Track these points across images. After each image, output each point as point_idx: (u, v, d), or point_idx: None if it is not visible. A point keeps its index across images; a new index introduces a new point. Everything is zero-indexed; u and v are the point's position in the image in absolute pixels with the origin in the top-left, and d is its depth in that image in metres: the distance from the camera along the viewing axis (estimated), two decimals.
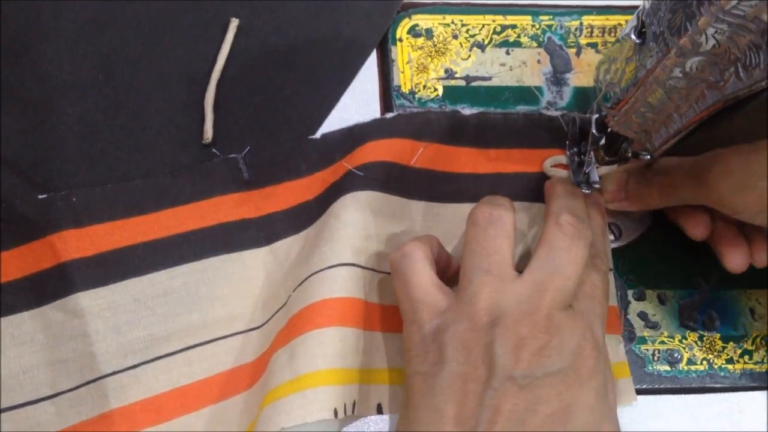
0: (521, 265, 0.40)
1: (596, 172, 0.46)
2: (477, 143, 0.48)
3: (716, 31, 0.31)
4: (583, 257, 0.39)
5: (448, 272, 0.43)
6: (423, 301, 0.39)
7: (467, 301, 0.38)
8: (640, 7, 0.36)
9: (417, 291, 0.39)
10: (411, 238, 0.43)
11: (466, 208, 0.46)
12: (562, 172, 0.47)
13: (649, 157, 0.45)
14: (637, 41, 0.36)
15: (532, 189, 0.48)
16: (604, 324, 0.40)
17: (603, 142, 0.44)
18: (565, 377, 0.36)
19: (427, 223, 0.46)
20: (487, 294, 0.38)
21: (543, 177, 0.48)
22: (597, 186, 0.45)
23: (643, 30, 0.36)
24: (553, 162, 0.48)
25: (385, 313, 0.44)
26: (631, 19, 0.37)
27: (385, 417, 0.43)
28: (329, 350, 0.40)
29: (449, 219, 0.47)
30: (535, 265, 0.39)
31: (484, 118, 0.48)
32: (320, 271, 0.42)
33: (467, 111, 0.48)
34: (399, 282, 0.40)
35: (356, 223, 0.44)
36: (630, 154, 0.45)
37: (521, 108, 0.50)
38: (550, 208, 0.42)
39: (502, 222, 0.39)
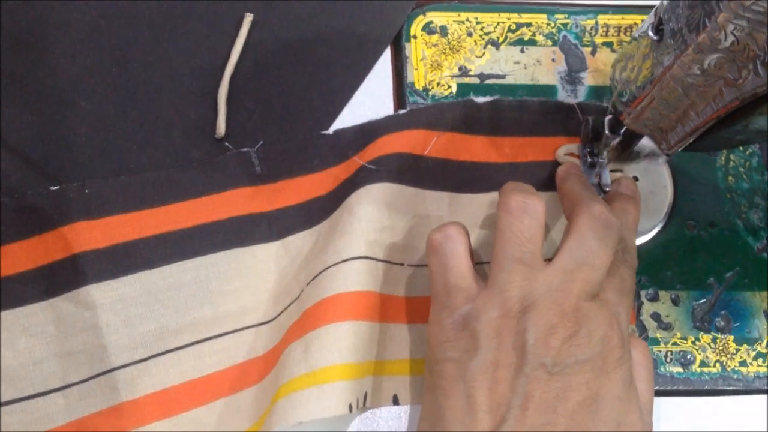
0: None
1: (608, 174, 0.46)
2: (491, 131, 0.48)
3: (735, 28, 0.31)
4: (613, 249, 0.39)
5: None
6: (459, 286, 0.39)
7: (499, 288, 0.38)
8: (659, 4, 0.36)
9: (455, 276, 0.39)
10: (425, 231, 0.43)
11: (480, 198, 0.46)
12: (576, 161, 0.47)
13: (661, 159, 0.45)
14: (655, 38, 0.36)
15: (546, 178, 0.48)
16: (629, 317, 0.40)
17: (616, 141, 0.44)
18: (593, 366, 0.36)
19: (441, 213, 0.46)
20: (518, 282, 0.38)
21: (556, 166, 0.48)
22: (608, 189, 0.45)
23: (661, 27, 0.35)
24: (567, 150, 0.48)
25: (399, 305, 0.43)
26: (648, 17, 0.37)
27: (399, 408, 0.43)
28: (345, 345, 0.40)
29: (464, 209, 0.47)
30: (566, 254, 0.38)
31: (498, 106, 0.48)
32: (334, 265, 0.42)
33: (481, 99, 0.48)
34: (437, 264, 0.40)
35: (370, 216, 0.44)
36: (642, 157, 0.45)
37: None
38: (576, 197, 0.42)
39: (536, 211, 0.39)
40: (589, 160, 0.46)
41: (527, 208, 0.39)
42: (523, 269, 0.38)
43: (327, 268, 0.42)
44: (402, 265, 0.44)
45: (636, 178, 0.49)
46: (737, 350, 0.46)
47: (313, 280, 0.42)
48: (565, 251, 0.39)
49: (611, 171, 0.46)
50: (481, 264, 0.46)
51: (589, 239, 0.39)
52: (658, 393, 0.45)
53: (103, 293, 0.41)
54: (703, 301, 0.47)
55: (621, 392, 0.37)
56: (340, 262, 0.42)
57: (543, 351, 0.36)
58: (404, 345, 0.43)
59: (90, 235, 0.42)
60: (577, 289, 0.37)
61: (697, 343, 0.46)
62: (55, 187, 0.43)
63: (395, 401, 0.43)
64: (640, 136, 0.41)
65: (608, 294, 0.39)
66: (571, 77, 0.51)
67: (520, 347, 0.36)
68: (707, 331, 0.47)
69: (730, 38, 0.31)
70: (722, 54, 0.32)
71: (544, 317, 0.36)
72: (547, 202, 0.47)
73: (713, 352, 0.46)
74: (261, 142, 0.47)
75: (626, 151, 0.44)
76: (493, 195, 0.47)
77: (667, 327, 0.46)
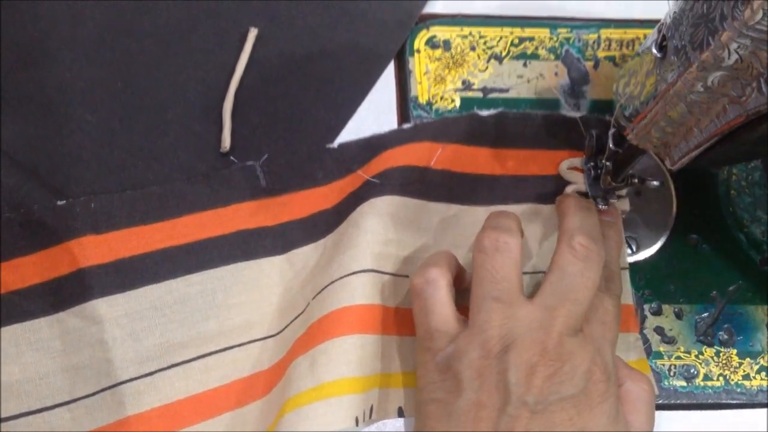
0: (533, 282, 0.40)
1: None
2: (495, 144, 0.48)
3: (739, 46, 0.31)
4: (595, 282, 0.39)
5: (462, 286, 0.43)
6: (440, 330, 0.39)
7: (479, 328, 0.38)
8: (662, 21, 0.36)
9: (436, 320, 0.40)
10: (430, 243, 0.44)
11: (483, 211, 0.46)
12: (579, 176, 0.47)
13: (656, 183, 0.45)
14: (658, 55, 0.36)
15: (548, 192, 0.48)
16: (614, 348, 0.40)
17: (611, 166, 0.44)
18: (577, 402, 0.36)
19: (445, 226, 0.46)
20: (497, 321, 0.38)
21: (559, 179, 0.48)
22: (613, 201, 0.45)
23: (664, 44, 0.36)
24: (570, 165, 0.48)
25: (404, 317, 0.44)
26: (652, 33, 0.37)
27: (402, 421, 0.43)
28: (352, 358, 0.40)
29: (467, 222, 0.47)
30: (547, 290, 0.39)
31: (502, 119, 0.48)
32: (340, 278, 0.42)
33: (485, 112, 0.48)
34: (419, 308, 0.41)
35: (375, 229, 0.44)
36: (636, 180, 0.45)
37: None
38: (562, 226, 0.42)
39: (509, 248, 0.40)
40: (593, 173, 0.46)
41: (499, 245, 0.40)
42: (500, 307, 0.38)
43: (333, 281, 0.42)
44: (407, 277, 0.44)
45: (639, 193, 0.49)
46: (740, 364, 0.46)
47: (318, 293, 0.43)
48: (547, 286, 0.39)
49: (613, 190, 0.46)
50: None
51: (570, 274, 0.39)
52: (662, 407, 0.45)
53: (109, 308, 0.41)
54: (706, 314, 0.47)
55: (607, 425, 0.37)
56: (345, 276, 0.42)
57: (525, 390, 0.36)
58: (409, 357, 0.44)
59: (96, 249, 0.42)
60: (559, 325, 0.37)
61: (700, 356, 0.46)
62: (62, 202, 0.43)
63: (400, 413, 0.43)
64: (643, 152, 0.41)
65: (592, 326, 0.39)
66: (574, 91, 0.51)
67: (502, 387, 0.36)
68: (710, 345, 0.47)
69: (734, 56, 0.31)
70: (726, 72, 0.32)
71: (524, 356, 0.37)
72: (548, 215, 0.47)
73: (716, 365, 0.46)
74: (266, 155, 0.47)
75: (621, 175, 0.44)
76: (498, 208, 0.47)
77: (670, 341, 0.47)
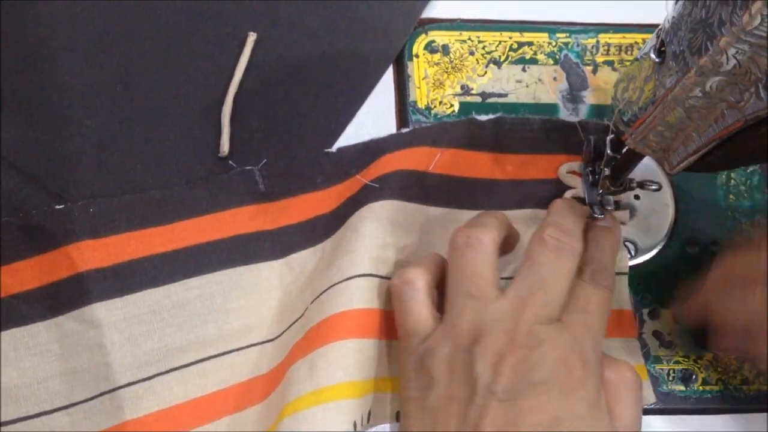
0: None
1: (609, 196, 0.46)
2: (494, 148, 0.48)
3: (737, 52, 0.31)
4: (569, 270, 0.39)
5: None
6: (417, 330, 0.40)
7: (451, 324, 0.38)
8: (660, 26, 0.36)
9: (413, 320, 0.40)
10: (428, 247, 0.44)
11: None
12: (578, 180, 0.47)
13: (655, 187, 0.45)
14: (657, 60, 0.36)
15: (547, 196, 0.48)
16: (598, 337, 0.39)
17: (609, 172, 0.44)
18: (548, 389, 0.36)
19: (443, 230, 0.46)
20: (468, 315, 0.38)
21: (559, 183, 0.48)
22: (610, 208, 0.45)
23: (663, 49, 0.36)
24: (569, 168, 0.48)
25: None
26: (651, 38, 0.37)
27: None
28: (350, 362, 0.40)
29: None
30: (518, 282, 0.39)
31: (500, 123, 0.49)
32: (339, 282, 0.42)
33: (483, 117, 0.48)
34: (398, 310, 0.41)
35: (373, 233, 0.44)
36: (635, 184, 0.45)
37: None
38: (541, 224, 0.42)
39: (480, 244, 0.40)
40: (591, 179, 0.46)
41: (470, 242, 0.40)
42: (472, 303, 0.38)
43: (331, 286, 0.42)
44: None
45: (637, 197, 0.49)
46: (739, 368, 0.46)
47: (317, 298, 0.43)
48: (518, 279, 0.39)
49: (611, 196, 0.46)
50: None
51: (540, 264, 0.39)
52: (660, 411, 0.46)
53: (107, 312, 0.41)
54: None
55: (585, 413, 0.36)
56: (344, 280, 0.42)
57: (491, 379, 0.36)
58: None
59: (95, 253, 0.42)
60: (529, 314, 0.37)
61: (698, 361, 0.46)
62: (60, 206, 0.43)
63: (398, 418, 0.43)
64: (641, 157, 0.41)
65: (570, 316, 0.39)
66: (573, 96, 0.51)
67: (470, 379, 0.36)
68: (709, 350, 0.47)
69: (732, 62, 0.31)
70: (724, 77, 0.32)
71: (492, 346, 0.37)
72: None
73: (715, 370, 0.46)
74: (264, 160, 0.47)
75: (619, 180, 0.44)
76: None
77: (668, 345, 0.47)
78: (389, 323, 0.43)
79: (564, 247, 0.39)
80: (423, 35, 0.51)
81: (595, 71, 0.52)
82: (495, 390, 0.36)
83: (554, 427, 0.35)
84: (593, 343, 0.39)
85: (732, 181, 0.49)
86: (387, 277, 0.44)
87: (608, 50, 0.52)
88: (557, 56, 0.52)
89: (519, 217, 0.46)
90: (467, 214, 0.47)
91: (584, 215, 0.43)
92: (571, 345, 0.37)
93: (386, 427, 0.43)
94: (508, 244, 0.44)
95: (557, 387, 0.36)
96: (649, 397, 0.44)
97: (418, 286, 0.40)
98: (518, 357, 0.36)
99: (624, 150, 0.42)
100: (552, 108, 0.50)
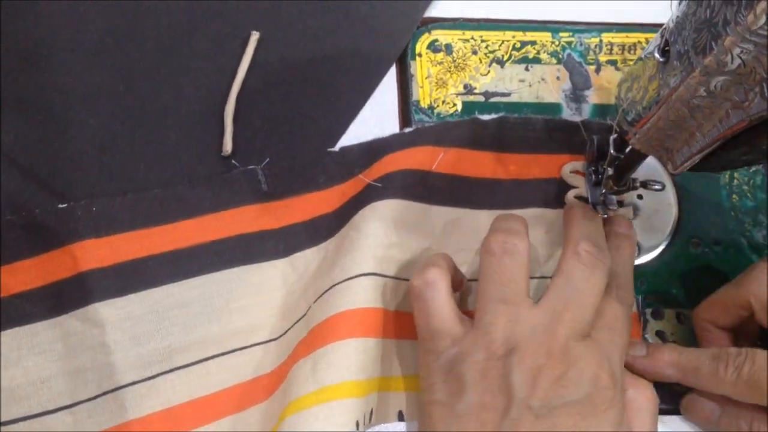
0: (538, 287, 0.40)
1: (613, 196, 0.46)
2: (497, 148, 0.48)
3: (742, 51, 0.31)
4: (601, 287, 0.39)
5: (457, 288, 0.43)
6: (442, 331, 0.39)
7: (484, 330, 0.38)
8: (664, 26, 0.36)
9: (437, 321, 0.40)
10: (432, 246, 0.45)
11: (485, 215, 0.46)
12: (581, 179, 0.47)
13: (658, 187, 0.45)
14: (661, 60, 0.36)
15: (550, 196, 0.48)
16: (623, 355, 0.40)
17: (613, 171, 0.44)
18: (582, 408, 0.36)
19: (447, 229, 0.46)
20: (503, 324, 0.38)
21: (562, 183, 0.48)
22: (613, 208, 0.45)
23: (667, 48, 0.36)
24: (572, 168, 0.48)
25: (405, 321, 0.44)
26: (655, 38, 0.37)
27: (403, 425, 0.43)
28: (353, 362, 0.40)
29: (469, 226, 0.47)
30: (552, 295, 0.39)
31: (503, 123, 0.48)
32: (342, 282, 0.42)
33: (486, 116, 0.48)
34: (419, 310, 0.40)
35: (377, 233, 0.44)
36: (638, 184, 0.45)
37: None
38: (568, 234, 0.42)
39: (518, 251, 0.40)
40: (594, 179, 0.46)
41: (507, 248, 0.40)
42: (506, 309, 0.38)
43: (334, 285, 0.42)
44: (408, 281, 0.44)
45: (640, 197, 0.49)
46: None
47: (320, 297, 0.43)
48: (552, 291, 0.39)
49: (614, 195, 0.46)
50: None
51: (575, 279, 0.39)
52: (662, 411, 0.45)
53: (110, 311, 0.41)
54: None
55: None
56: (347, 279, 0.42)
57: (529, 393, 0.36)
58: (410, 361, 0.44)
59: (97, 252, 0.42)
60: (564, 329, 0.37)
61: None
62: (63, 205, 0.43)
63: (400, 417, 0.43)
64: (645, 156, 0.41)
65: (600, 333, 0.39)
66: (576, 95, 0.51)
67: (506, 389, 0.36)
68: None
69: (737, 61, 0.31)
70: (729, 76, 0.32)
71: (529, 359, 0.37)
72: (552, 220, 0.47)
73: None
74: (267, 159, 0.47)
75: (622, 180, 0.44)
76: (500, 211, 0.47)
77: None
78: (392, 323, 0.43)
79: (598, 263, 0.40)
80: (426, 34, 0.51)
81: (598, 71, 0.51)
82: (532, 404, 0.36)
83: None
84: (619, 361, 0.39)
85: (735, 181, 0.49)
86: (391, 277, 0.44)
87: (611, 50, 0.52)
88: (560, 55, 0.52)
89: (524, 216, 0.46)
90: (470, 214, 0.47)
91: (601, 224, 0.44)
92: (602, 363, 0.37)
93: (389, 426, 0.43)
94: None
95: (589, 407, 0.36)
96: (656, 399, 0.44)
97: (440, 286, 0.40)
98: (556, 373, 0.36)
99: (627, 150, 0.42)
100: (555, 107, 0.50)
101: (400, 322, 0.44)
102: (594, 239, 0.41)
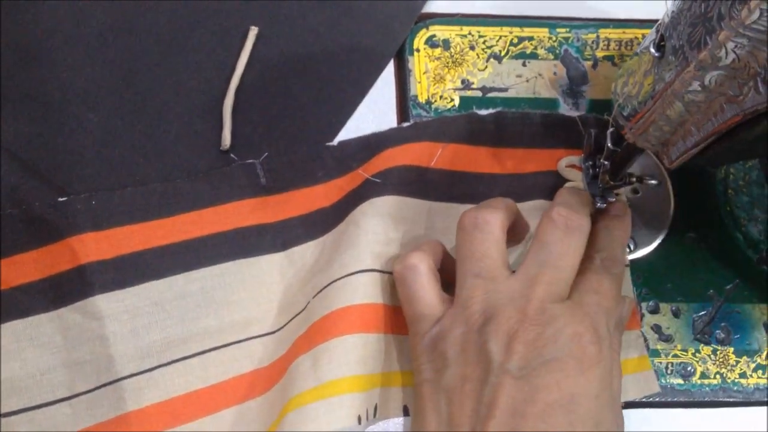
0: None
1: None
2: (494, 143, 0.48)
3: (736, 46, 0.31)
4: (577, 249, 0.40)
5: (451, 274, 0.44)
6: (425, 313, 0.40)
7: (462, 305, 0.39)
8: (660, 21, 0.37)
9: (421, 304, 0.40)
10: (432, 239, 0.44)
11: None
12: (577, 174, 0.48)
13: (654, 182, 0.46)
14: (656, 54, 0.36)
15: (547, 188, 0.48)
16: (611, 317, 0.40)
17: (609, 166, 0.44)
18: (563, 365, 0.36)
19: (446, 224, 0.47)
20: (479, 296, 0.38)
21: (558, 176, 0.48)
22: (612, 200, 0.46)
23: (662, 43, 0.36)
24: (569, 162, 0.48)
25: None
26: (650, 33, 0.38)
27: (408, 419, 0.43)
28: (353, 357, 0.40)
29: None
30: (528, 261, 0.39)
31: (501, 117, 0.49)
32: (341, 278, 0.42)
33: (484, 111, 0.49)
34: (403, 295, 0.41)
35: (375, 229, 0.44)
36: (634, 179, 0.45)
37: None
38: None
39: (488, 225, 0.40)
40: (592, 172, 0.46)
41: (478, 223, 0.40)
42: (482, 283, 0.39)
43: (333, 281, 0.42)
44: None
45: (636, 191, 0.49)
46: (737, 362, 0.47)
47: (319, 293, 0.43)
48: (528, 258, 0.39)
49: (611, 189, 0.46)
50: None
51: (549, 243, 0.39)
52: (659, 405, 0.46)
53: (109, 303, 0.42)
54: (703, 313, 0.48)
55: (599, 391, 0.36)
56: (346, 276, 0.42)
57: (505, 357, 0.36)
58: (409, 356, 0.44)
59: (97, 245, 0.42)
60: (540, 291, 0.38)
61: (697, 354, 0.47)
62: (63, 199, 0.43)
63: (405, 412, 0.43)
64: (641, 151, 0.41)
65: (582, 295, 0.39)
66: (573, 90, 0.51)
67: (484, 358, 0.37)
68: (707, 343, 0.47)
69: (731, 56, 0.31)
70: (723, 71, 0.32)
71: (505, 324, 0.37)
72: None
73: (713, 363, 0.47)
74: (266, 153, 0.47)
75: (618, 175, 0.44)
76: None
77: (667, 339, 0.47)
78: (393, 318, 0.43)
79: (573, 225, 0.40)
80: (424, 30, 0.51)
81: (595, 66, 0.52)
82: (509, 368, 0.36)
83: (570, 404, 0.36)
84: (606, 322, 0.39)
85: (731, 175, 0.50)
86: (390, 273, 0.44)
87: (608, 45, 0.52)
88: (557, 51, 0.52)
89: (523, 209, 0.46)
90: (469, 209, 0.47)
91: (590, 199, 0.44)
92: (583, 321, 0.38)
93: (392, 422, 0.43)
94: (517, 234, 0.45)
95: (572, 364, 0.36)
96: (653, 387, 0.45)
97: (421, 269, 0.41)
98: (531, 334, 0.37)
99: (624, 144, 0.42)
100: (552, 103, 0.51)
101: (400, 318, 0.44)
102: (569, 204, 0.41)
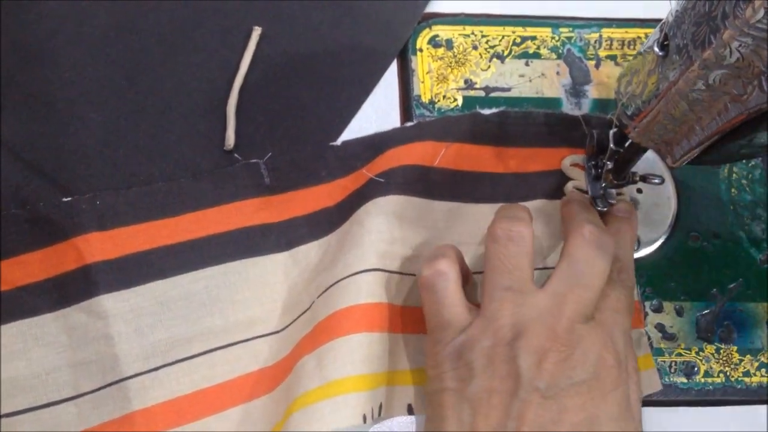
0: (542, 278, 0.40)
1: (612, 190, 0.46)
2: (498, 142, 0.49)
3: (740, 45, 0.31)
4: (605, 269, 0.40)
5: (464, 280, 0.44)
6: (452, 321, 0.40)
7: (491, 317, 0.38)
8: (664, 20, 0.37)
9: (448, 312, 0.40)
10: (435, 241, 0.45)
11: (487, 209, 0.47)
12: (581, 173, 0.48)
13: (657, 181, 0.46)
14: (660, 54, 0.36)
15: (551, 188, 0.48)
16: (627, 337, 0.40)
17: (612, 165, 0.44)
18: (589, 388, 0.37)
19: (449, 224, 0.47)
20: (508, 310, 0.38)
21: (562, 175, 0.48)
22: (612, 202, 0.46)
23: (666, 43, 0.36)
24: (572, 161, 0.48)
25: (410, 315, 0.44)
26: (654, 32, 0.38)
27: (413, 418, 0.43)
28: (358, 357, 0.40)
29: (470, 219, 0.47)
30: (557, 277, 0.39)
31: (504, 117, 0.49)
32: (345, 278, 0.42)
33: (487, 111, 0.49)
34: (429, 301, 0.41)
35: (380, 228, 0.44)
36: (638, 178, 0.45)
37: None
38: (572, 221, 0.42)
39: (522, 238, 0.40)
40: (594, 173, 0.47)
41: (512, 235, 0.40)
42: (512, 296, 0.39)
43: (338, 281, 0.43)
44: (413, 275, 0.45)
45: (640, 191, 0.49)
46: (741, 360, 0.47)
47: (324, 292, 0.43)
48: (557, 275, 0.39)
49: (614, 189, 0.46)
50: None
51: (580, 261, 0.39)
52: (662, 403, 0.46)
53: (114, 303, 0.42)
54: (706, 311, 0.48)
55: (618, 414, 0.37)
56: (351, 275, 0.42)
57: (536, 375, 0.36)
58: (417, 355, 0.44)
59: (102, 245, 0.42)
60: (569, 311, 0.38)
61: (701, 353, 0.47)
62: (67, 199, 0.43)
63: (410, 411, 0.43)
64: (644, 150, 0.41)
65: (604, 315, 0.40)
66: (576, 90, 0.51)
67: (513, 373, 0.37)
68: (711, 342, 0.47)
69: (736, 55, 0.31)
70: (727, 70, 0.32)
71: (535, 341, 0.37)
72: (551, 211, 0.47)
73: (717, 362, 0.47)
74: (270, 153, 0.47)
75: (622, 174, 0.44)
76: (501, 205, 0.47)
77: (671, 337, 0.47)
78: (397, 317, 0.43)
79: (603, 245, 0.40)
80: (427, 30, 0.51)
81: (597, 66, 0.52)
82: (538, 386, 0.36)
83: (592, 426, 0.36)
84: (624, 342, 0.40)
85: (734, 174, 0.50)
86: (394, 272, 0.44)
87: (611, 45, 0.52)
88: (560, 51, 0.52)
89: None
90: (473, 208, 0.47)
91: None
92: (606, 343, 0.38)
93: (396, 422, 0.43)
94: None
95: (596, 386, 0.37)
96: (656, 385, 0.45)
97: (451, 277, 0.40)
98: (562, 355, 0.37)
99: (627, 143, 0.42)
100: (555, 102, 0.51)
101: (405, 317, 0.44)
102: (597, 223, 0.42)
